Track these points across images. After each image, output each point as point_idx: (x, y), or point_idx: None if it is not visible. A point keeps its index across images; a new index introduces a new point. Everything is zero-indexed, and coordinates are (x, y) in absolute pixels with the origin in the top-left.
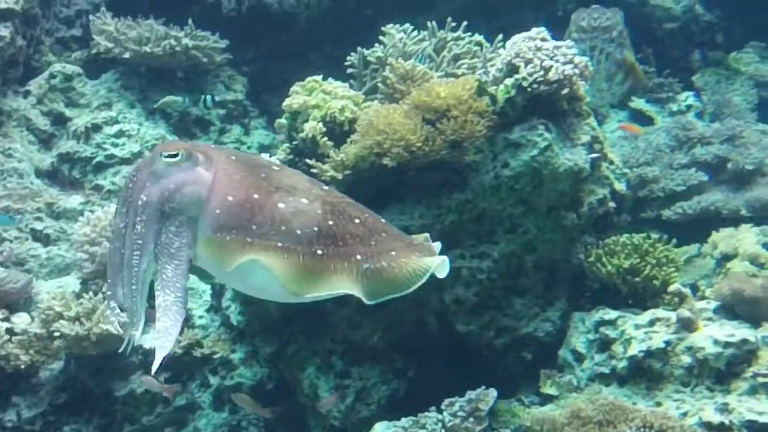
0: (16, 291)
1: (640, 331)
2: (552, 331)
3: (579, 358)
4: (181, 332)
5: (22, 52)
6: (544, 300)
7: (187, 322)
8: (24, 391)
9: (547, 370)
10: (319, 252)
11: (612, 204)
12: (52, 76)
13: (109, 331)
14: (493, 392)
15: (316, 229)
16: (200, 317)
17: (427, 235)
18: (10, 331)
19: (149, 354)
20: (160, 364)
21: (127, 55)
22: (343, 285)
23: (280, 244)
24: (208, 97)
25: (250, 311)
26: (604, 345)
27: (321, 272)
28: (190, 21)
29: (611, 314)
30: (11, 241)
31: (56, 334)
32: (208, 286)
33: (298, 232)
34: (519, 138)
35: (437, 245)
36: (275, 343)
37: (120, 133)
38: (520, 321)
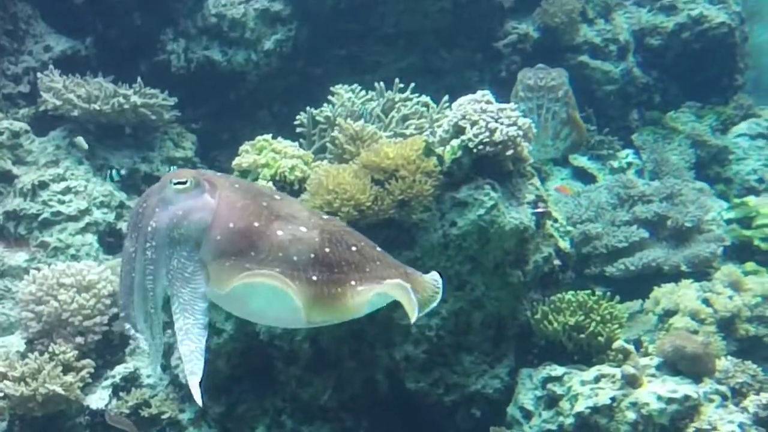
0: None
1: (586, 387)
2: (500, 388)
3: (527, 414)
4: (128, 391)
5: None
6: (493, 357)
7: (135, 381)
8: None
9: (496, 427)
10: (314, 278)
11: (557, 261)
12: None
13: (55, 392)
14: None
15: (312, 256)
16: (148, 376)
17: (435, 273)
18: None
19: (96, 414)
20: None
21: (75, 113)
22: (337, 310)
23: (277, 270)
24: (114, 171)
25: None
26: (551, 401)
27: (316, 298)
28: (139, 79)
29: (558, 370)
30: None
31: (0, 395)
32: None
33: (295, 258)
34: (466, 197)
35: (434, 275)
36: (224, 402)
37: (67, 190)
38: (469, 378)
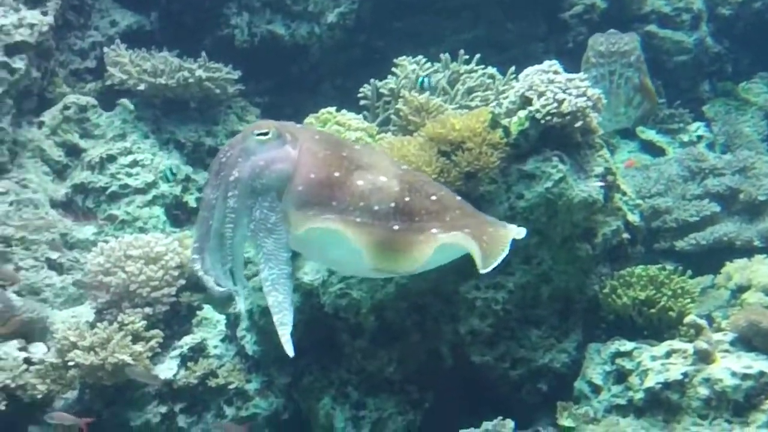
0: (32, 320)
1: (657, 363)
2: (568, 362)
3: (595, 389)
4: (195, 361)
5: (37, 84)
6: (560, 331)
7: (202, 352)
8: (40, 420)
9: (563, 401)
10: (396, 227)
11: (626, 235)
12: (66, 107)
13: (124, 361)
14: (510, 423)
15: (393, 205)
16: (215, 347)
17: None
18: (27, 361)
19: (164, 384)
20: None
21: (141, 87)
22: (417, 258)
23: (358, 219)
24: (168, 170)
25: (265, 341)
26: (620, 376)
27: (397, 246)
28: (203, 53)
29: (627, 345)
30: (27, 270)
31: (71, 363)
32: (223, 316)
33: (376, 207)
34: (533, 169)
35: (521, 230)
36: (290, 373)
37: (134, 163)
38: (536, 352)
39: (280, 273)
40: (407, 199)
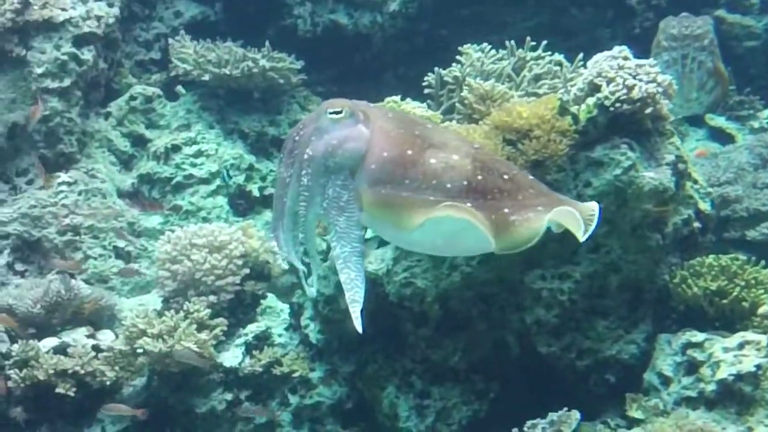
0: (100, 308)
1: (729, 354)
2: (636, 354)
3: (665, 381)
4: (260, 350)
5: (104, 75)
6: (629, 321)
7: (267, 340)
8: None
9: (631, 393)
10: (468, 205)
11: (697, 224)
12: (133, 98)
13: (190, 349)
14: (576, 414)
15: (465, 183)
16: (279, 335)
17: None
18: (96, 348)
19: (230, 372)
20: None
21: (206, 78)
22: (488, 236)
23: (431, 198)
24: (226, 172)
25: (329, 330)
26: (691, 368)
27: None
28: (267, 43)
29: (698, 336)
30: (95, 259)
31: (140, 350)
32: (286, 305)
33: (448, 185)
34: (602, 157)
35: (593, 204)
36: (354, 362)
37: (198, 153)
38: (604, 343)
39: (352, 250)
40: (480, 177)
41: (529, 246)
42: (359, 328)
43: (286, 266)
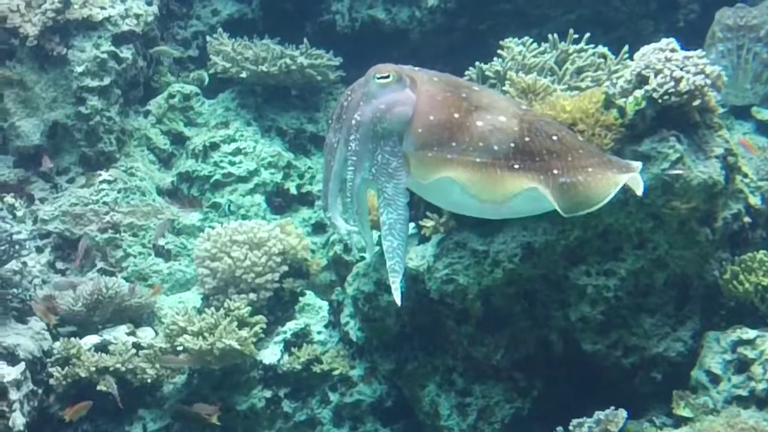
0: (140, 306)
1: None
2: (683, 351)
3: (714, 379)
4: (299, 347)
5: (143, 73)
6: (676, 319)
7: (306, 338)
8: (149, 404)
9: (679, 390)
10: (516, 166)
11: (747, 219)
12: (171, 95)
13: (231, 346)
14: (623, 413)
15: (512, 145)
16: (319, 333)
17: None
18: (136, 346)
19: (269, 369)
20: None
21: (244, 75)
22: (540, 196)
23: (478, 159)
24: (229, 205)
25: (368, 327)
26: (742, 366)
27: (518, 184)
28: (305, 40)
29: (749, 333)
30: (135, 257)
31: (180, 348)
32: (325, 303)
33: (495, 147)
34: (649, 150)
35: (638, 164)
36: (394, 359)
37: (237, 151)
38: (650, 340)
39: (398, 218)
40: (527, 138)
41: (588, 211)
42: (398, 300)
43: (324, 262)
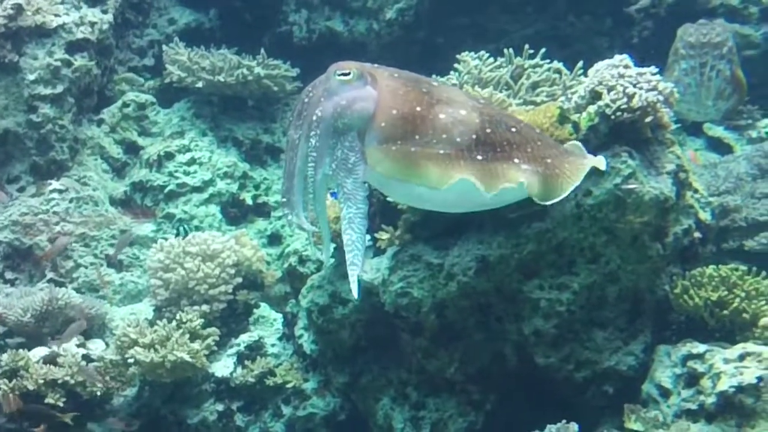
0: (91, 317)
1: (730, 366)
2: (635, 365)
3: (665, 393)
4: (252, 360)
5: (97, 82)
6: (628, 333)
7: (260, 350)
8: (99, 417)
9: (630, 404)
10: (479, 157)
11: (697, 234)
12: (125, 104)
13: (182, 359)
14: (574, 426)
15: (474, 137)
16: (272, 345)
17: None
18: (86, 358)
19: (221, 382)
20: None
21: (200, 85)
22: (503, 184)
23: (441, 152)
24: (182, 227)
25: (323, 340)
26: (691, 380)
27: (482, 175)
28: (262, 50)
29: (699, 348)
30: (86, 267)
31: (131, 360)
32: (279, 315)
33: (458, 139)
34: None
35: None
36: (348, 373)
37: (192, 161)
38: (602, 354)
39: (357, 212)
40: (488, 130)
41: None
42: (355, 294)
43: (279, 274)
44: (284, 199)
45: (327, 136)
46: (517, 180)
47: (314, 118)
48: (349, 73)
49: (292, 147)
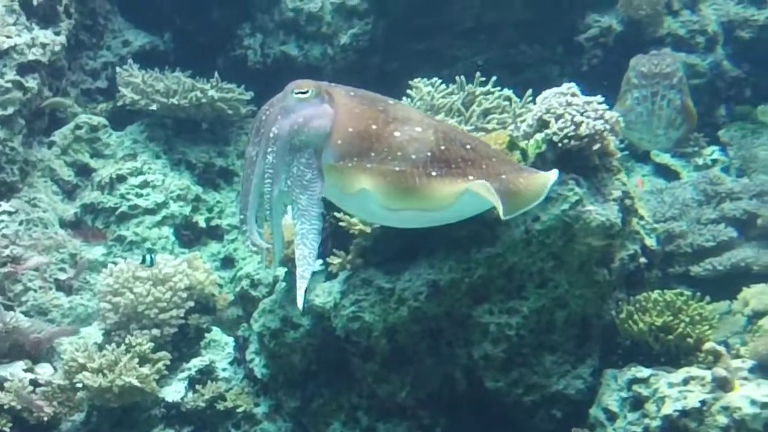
0: (39, 341)
1: (674, 390)
2: (583, 389)
3: (611, 416)
4: (203, 384)
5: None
6: (576, 357)
7: (211, 375)
8: None
9: (578, 428)
10: (434, 174)
11: (643, 260)
12: (78, 126)
13: (131, 383)
14: None
15: (429, 153)
16: (224, 369)
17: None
18: (34, 383)
19: (172, 407)
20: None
21: (153, 107)
22: (443, 201)
23: (397, 168)
24: (149, 256)
25: (274, 364)
26: (637, 403)
27: (436, 190)
28: (216, 73)
29: (644, 372)
30: (35, 291)
31: (79, 385)
32: (231, 339)
33: (413, 156)
34: (549, 192)
35: (553, 172)
36: (299, 397)
37: (144, 184)
38: (551, 378)
39: (310, 228)
40: (443, 147)
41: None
42: (300, 305)
43: (231, 298)
44: (241, 216)
45: (284, 153)
46: (451, 197)
47: (271, 135)
48: (306, 91)
49: (249, 164)
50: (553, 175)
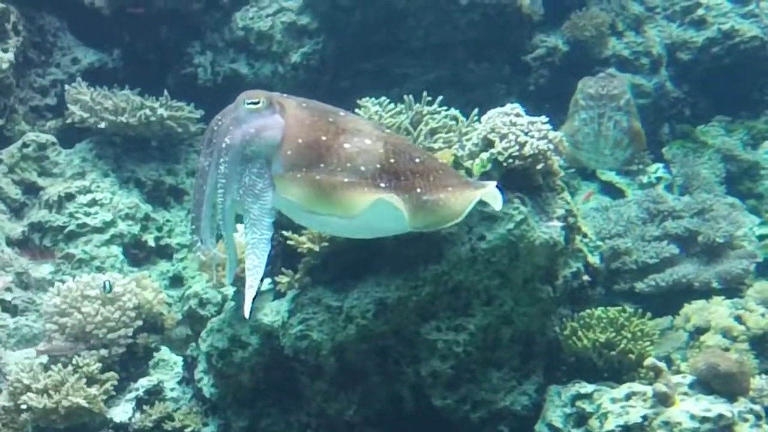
0: None
1: (617, 405)
2: (528, 405)
3: None
4: (151, 404)
5: None
6: (521, 373)
7: (159, 395)
8: None
9: None
10: (382, 185)
11: (586, 277)
12: (25, 145)
13: (78, 404)
14: None
15: (378, 165)
16: (172, 389)
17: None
18: None
19: (119, 428)
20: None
21: (102, 125)
22: (403, 212)
23: (345, 180)
24: (107, 283)
25: (222, 384)
26: (580, 419)
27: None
28: (165, 92)
29: (587, 388)
30: None
31: (24, 407)
32: (180, 358)
33: (362, 168)
34: (494, 211)
35: (493, 183)
36: (248, 416)
37: (93, 202)
38: (497, 394)
39: (261, 237)
40: (392, 160)
41: (449, 224)
42: (246, 314)
43: (180, 317)
44: (193, 226)
45: (235, 163)
46: (408, 212)
47: (223, 145)
48: (258, 102)
49: (201, 174)
50: (491, 187)
